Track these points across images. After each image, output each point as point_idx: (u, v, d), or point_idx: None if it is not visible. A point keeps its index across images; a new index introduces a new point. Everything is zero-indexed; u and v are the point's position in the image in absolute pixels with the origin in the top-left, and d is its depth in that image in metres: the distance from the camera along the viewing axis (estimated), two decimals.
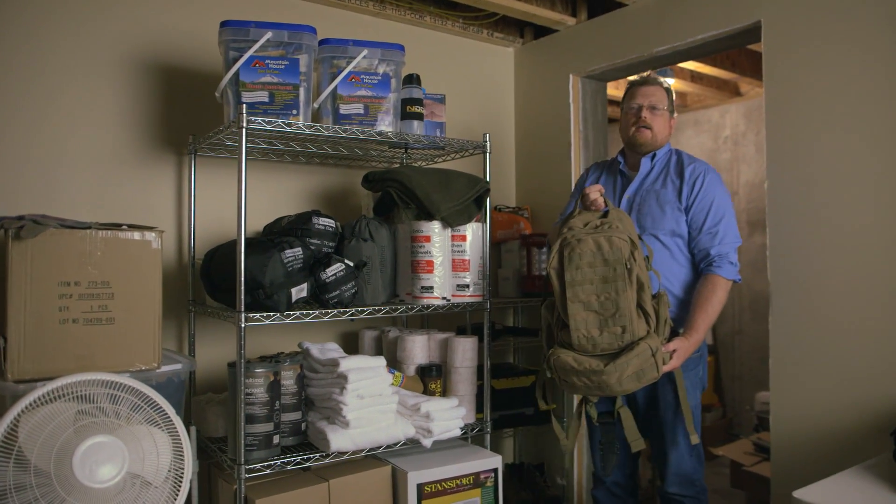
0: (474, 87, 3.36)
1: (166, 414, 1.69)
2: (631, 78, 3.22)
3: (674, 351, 2.07)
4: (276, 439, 2.08)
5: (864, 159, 2.19)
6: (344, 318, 2.19)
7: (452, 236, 2.40)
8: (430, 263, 2.32)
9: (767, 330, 2.42)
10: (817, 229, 2.30)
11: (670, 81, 4.45)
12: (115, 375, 1.65)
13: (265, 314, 2.04)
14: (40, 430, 1.53)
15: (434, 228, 2.33)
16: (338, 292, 2.15)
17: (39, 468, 1.51)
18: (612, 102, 4.04)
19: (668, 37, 2.76)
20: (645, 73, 2.66)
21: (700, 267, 2.24)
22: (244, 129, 1.99)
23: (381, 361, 2.20)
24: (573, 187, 2.93)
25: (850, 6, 2.22)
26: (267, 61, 2.10)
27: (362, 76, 2.25)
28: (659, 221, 2.26)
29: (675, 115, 2.44)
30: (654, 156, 2.35)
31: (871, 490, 1.68)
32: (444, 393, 2.47)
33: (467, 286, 2.41)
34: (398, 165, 2.79)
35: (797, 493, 1.65)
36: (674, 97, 2.43)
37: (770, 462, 2.43)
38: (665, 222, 2.25)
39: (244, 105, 2.01)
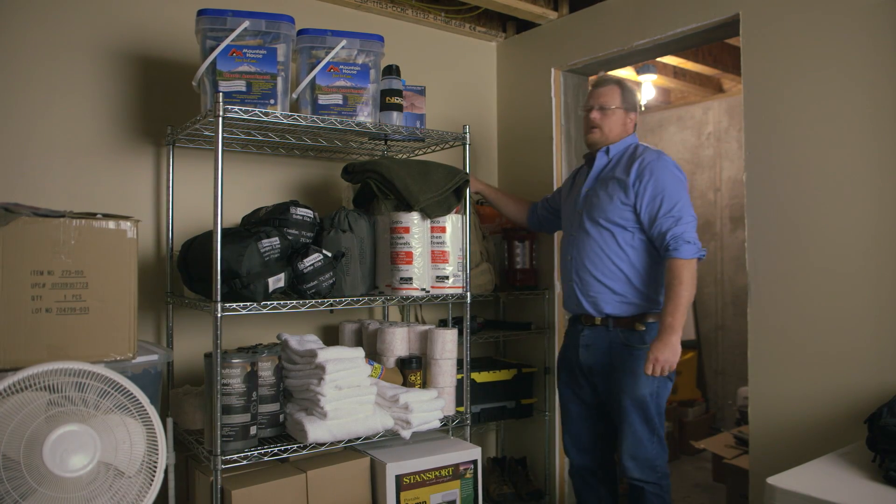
0: (457, 82, 3.35)
1: (138, 401, 1.67)
2: (612, 73, 3.26)
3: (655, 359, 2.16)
4: (253, 430, 2.07)
5: (843, 153, 2.20)
6: (322, 308, 2.18)
7: (432, 227, 2.40)
8: (410, 255, 2.32)
9: None
10: (795, 222, 2.31)
11: (652, 77, 4.47)
12: (85, 364, 1.63)
13: (242, 304, 2.03)
14: (9, 418, 1.51)
15: (413, 219, 2.33)
16: (315, 283, 2.14)
17: (9, 457, 1.49)
18: None
19: (648, 30, 2.77)
20: (601, 74, 2.74)
21: (661, 254, 2.29)
22: (220, 118, 1.98)
23: (359, 353, 2.19)
24: (561, 183, 3.01)
25: None
26: (244, 50, 2.09)
27: (341, 67, 2.24)
28: (600, 208, 2.35)
29: (635, 112, 2.48)
30: (608, 150, 2.43)
31: (844, 475, 1.69)
32: (424, 385, 2.46)
33: (447, 278, 2.41)
34: (378, 157, 2.79)
35: (770, 480, 1.66)
36: (633, 93, 2.49)
37: (749, 453, 2.44)
38: (605, 210, 2.33)
39: (221, 94, 2.00)
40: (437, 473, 2.27)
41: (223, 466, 1.98)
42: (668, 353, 2.15)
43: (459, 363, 2.52)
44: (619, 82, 2.47)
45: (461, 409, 2.54)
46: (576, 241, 2.43)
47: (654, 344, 2.18)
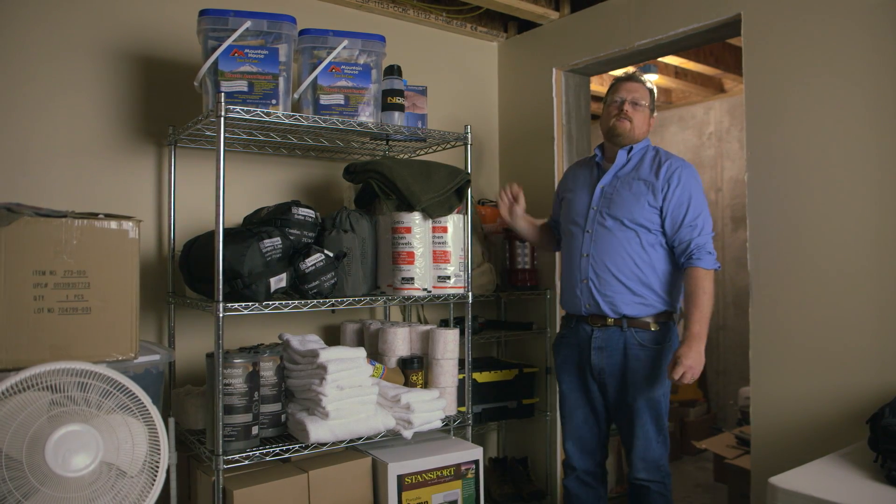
0: (458, 82, 3.36)
1: (140, 401, 1.67)
2: (616, 73, 3.26)
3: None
4: (255, 430, 2.07)
5: (845, 153, 2.20)
6: (323, 308, 2.18)
7: (433, 227, 2.40)
8: (411, 255, 2.32)
9: None
10: (797, 222, 2.31)
11: (654, 77, 4.47)
12: (87, 364, 1.63)
13: (243, 304, 2.03)
14: (12, 418, 1.51)
15: (415, 220, 2.33)
16: (317, 283, 2.14)
17: (11, 456, 1.50)
18: (596, 98, 4.05)
19: (649, 30, 2.77)
20: (630, 71, 2.72)
21: (680, 261, 2.27)
22: (222, 118, 1.98)
23: (360, 353, 2.20)
24: (556, 187, 2.99)
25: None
26: (246, 51, 2.09)
27: (343, 67, 2.24)
28: (624, 207, 2.31)
29: (655, 114, 2.48)
30: (630, 149, 2.39)
31: (846, 476, 1.69)
32: (426, 385, 2.46)
33: (448, 278, 2.41)
34: (380, 157, 2.79)
35: (773, 480, 1.66)
36: (655, 98, 2.48)
37: (750, 453, 2.44)
38: (631, 210, 2.29)
39: (222, 94, 2.00)
40: (438, 473, 2.27)
41: (225, 466, 1.98)
42: (697, 361, 2.15)
43: (461, 363, 2.52)
44: (647, 84, 2.45)
45: (463, 409, 2.54)
46: (593, 239, 2.35)
47: (682, 351, 2.15)
